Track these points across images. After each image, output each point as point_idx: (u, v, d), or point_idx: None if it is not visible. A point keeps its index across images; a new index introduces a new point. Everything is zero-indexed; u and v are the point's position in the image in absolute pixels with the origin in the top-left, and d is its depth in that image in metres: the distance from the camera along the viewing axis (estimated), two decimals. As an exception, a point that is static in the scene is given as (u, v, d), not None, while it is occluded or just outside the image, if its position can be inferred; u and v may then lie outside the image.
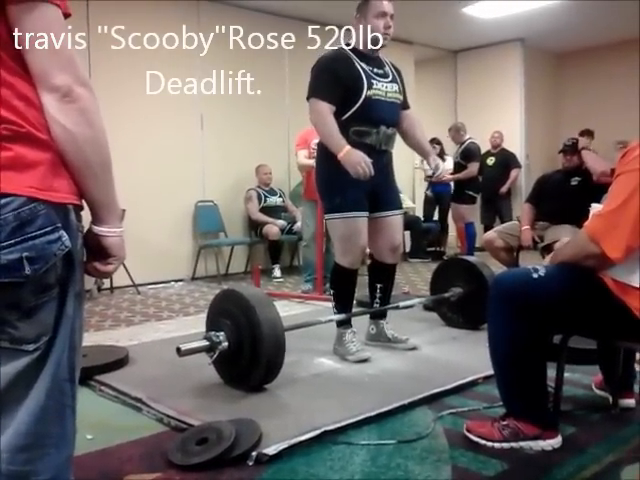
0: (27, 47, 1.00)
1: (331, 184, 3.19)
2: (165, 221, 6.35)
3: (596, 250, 1.90)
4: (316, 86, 3.09)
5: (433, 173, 3.44)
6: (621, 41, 8.38)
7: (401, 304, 3.55)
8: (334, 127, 3.03)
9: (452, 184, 8.01)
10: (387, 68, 3.28)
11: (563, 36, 8.58)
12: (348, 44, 3.22)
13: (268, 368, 2.62)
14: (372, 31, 3.12)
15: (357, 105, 3.07)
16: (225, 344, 2.63)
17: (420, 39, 8.50)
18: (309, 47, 6.17)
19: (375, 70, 3.17)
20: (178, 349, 2.60)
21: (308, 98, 3.12)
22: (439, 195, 8.11)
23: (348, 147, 2.99)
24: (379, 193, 3.25)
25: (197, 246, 6.52)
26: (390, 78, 3.24)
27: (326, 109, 3.04)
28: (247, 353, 2.60)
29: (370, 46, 3.15)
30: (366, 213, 3.20)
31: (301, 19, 7.21)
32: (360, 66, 3.11)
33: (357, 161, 2.94)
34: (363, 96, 3.07)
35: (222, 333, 2.65)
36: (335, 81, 3.06)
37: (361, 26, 3.15)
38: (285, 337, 2.67)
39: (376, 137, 3.13)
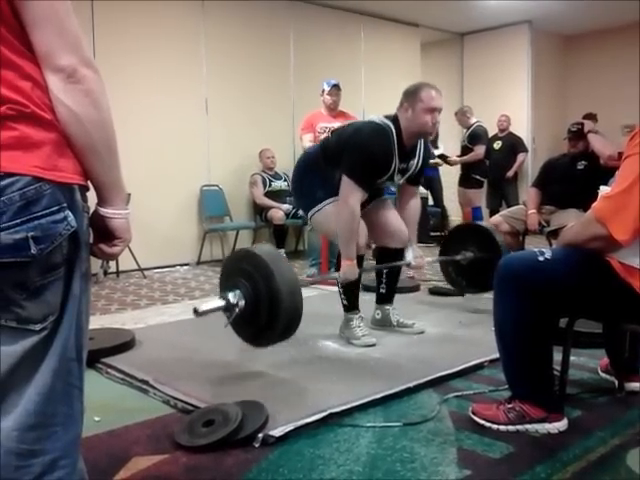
0: (33, 28, 0.99)
1: (311, 187, 3.24)
2: (170, 205, 6.35)
3: (603, 232, 1.89)
4: (355, 169, 3.02)
5: (409, 263, 3.41)
6: (630, 24, 8.29)
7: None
8: (356, 234, 3.08)
9: (440, 168, 8.08)
10: (413, 161, 3.23)
11: (571, 19, 8.50)
12: (396, 121, 3.10)
13: (287, 323, 2.54)
14: (420, 126, 3.06)
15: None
16: (242, 303, 2.56)
17: (426, 21, 8.44)
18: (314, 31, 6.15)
19: (401, 165, 3.16)
20: (195, 310, 2.55)
21: (344, 173, 3.04)
22: (429, 179, 8.13)
23: (355, 262, 3.12)
24: None
25: (202, 230, 6.53)
26: (407, 174, 3.25)
27: (358, 204, 3.03)
28: (265, 310, 2.52)
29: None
30: None
31: (305, 1, 7.19)
32: (394, 163, 3.10)
33: (349, 278, 3.13)
34: (376, 184, 3.15)
35: (238, 292, 2.60)
36: (372, 174, 3.07)
37: (408, 117, 3.05)
38: (302, 291, 2.64)
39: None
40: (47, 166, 1.00)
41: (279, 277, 2.48)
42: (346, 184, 3.02)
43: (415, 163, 3.24)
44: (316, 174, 3.23)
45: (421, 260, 3.41)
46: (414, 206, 3.44)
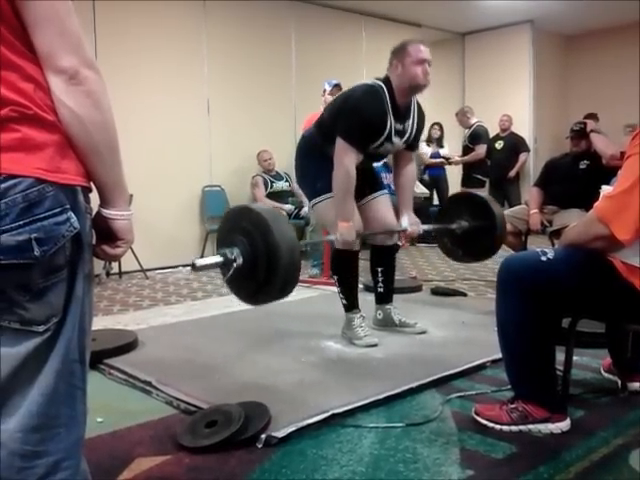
0: (34, 29, 0.99)
1: (314, 173, 3.22)
2: (172, 206, 6.36)
3: (605, 231, 1.89)
4: (349, 130, 3.01)
5: (404, 230, 3.38)
6: (632, 23, 8.27)
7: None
8: (351, 194, 3.05)
9: (446, 168, 8.11)
10: (409, 122, 3.21)
11: (573, 18, 8.50)
12: (387, 81, 3.11)
13: (286, 279, 2.46)
14: (412, 79, 3.06)
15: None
16: (240, 260, 2.54)
17: (428, 21, 8.44)
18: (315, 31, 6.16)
19: (397, 126, 3.13)
20: (193, 264, 2.51)
21: (339, 135, 3.03)
22: (435, 178, 8.16)
23: (352, 224, 3.07)
24: (359, 180, 3.22)
25: (204, 231, 6.53)
26: (405, 137, 3.21)
27: (353, 164, 3.01)
28: (263, 266, 2.43)
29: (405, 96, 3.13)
30: None
31: (307, 1, 7.19)
32: (389, 122, 3.07)
33: (347, 241, 3.07)
34: (370, 149, 3.11)
35: (236, 249, 2.49)
36: (366, 134, 3.05)
37: (398, 73, 3.07)
38: (299, 247, 2.59)
39: (359, 165, 3.14)
40: (50, 168, 1.00)
41: (278, 233, 2.40)
42: (340, 145, 3.01)
43: (411, 124, 3.23)
44: (317, 159, 3.19)
45: (416, 227, 3.40)
46: (410, 172, 3.42)
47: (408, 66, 3.05)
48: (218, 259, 2.48)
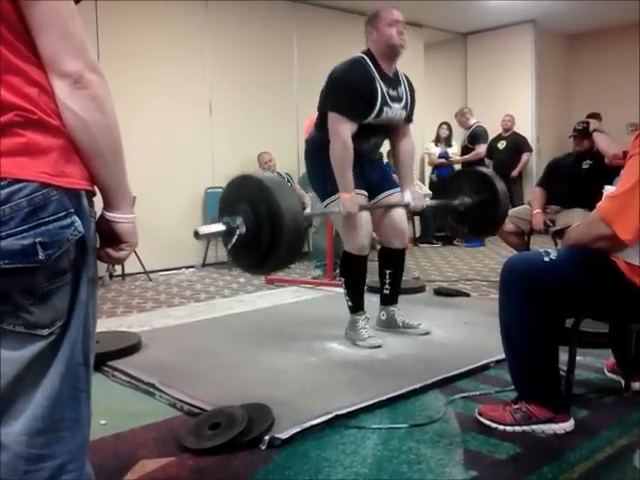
0: (37, 32, 1.00)
1: (323, 175, 3.21)
2: (175, 208, 6.36)
3: (608, 231, 1.89)
4: (339, 101, 3.03)
5: (407, 204, 3.36)
6: (633, 23, 8.25)
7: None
8: (350, 164, 3.04)
9: (455, 167, 8.11)
10: (401, 88, 3.22)
11: (575, 17, 8.48)
12: (367, 51, 3.15)
13: (289, 248, 2.43)
14: (387, 40, 3.08)
15: (359, 124, 3.07)
16: (243, 228, 2.42)
17: (430, 22, 8.42)
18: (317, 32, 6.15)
19: (391, 92, 3.13)
20: (196, 232, 2.47)
21: (330, 110, 3.05)
22: (442, 179, 8.15)
23: (354, 195, 3.07)
24: (370, 178, 3.26)
25: (207, 232, 6.52)
26: (402, 103, 3.21)
27: (348, 134, 3.01)
28: (266, 235, 2.40)
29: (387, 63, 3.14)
30: (363, 191, 3.20)
31: (308, 2, 7.20)
32: (379, 86, 3.08)
33: (350, 212, 3.05)
34: (369, 120, 3.09)
35: (239, 217, 2.45)
36: (358, 101, 3.03)
37: (374, 39, 3.12)
38: (303, 214, 2.55)
39: (366, 146, 3.16)
40: (54, 172, 1.01)
41: (281, 201, 2.37)
42: (333, 118, 3.02)
43: (404, 90, 3.24)
44: (323, 160, 3.15)
45: (420, 202, 3.39)
46: (407, 146, 3.42)
47: (382, 29, 3.09)
48: (221, 227, 2.44)
